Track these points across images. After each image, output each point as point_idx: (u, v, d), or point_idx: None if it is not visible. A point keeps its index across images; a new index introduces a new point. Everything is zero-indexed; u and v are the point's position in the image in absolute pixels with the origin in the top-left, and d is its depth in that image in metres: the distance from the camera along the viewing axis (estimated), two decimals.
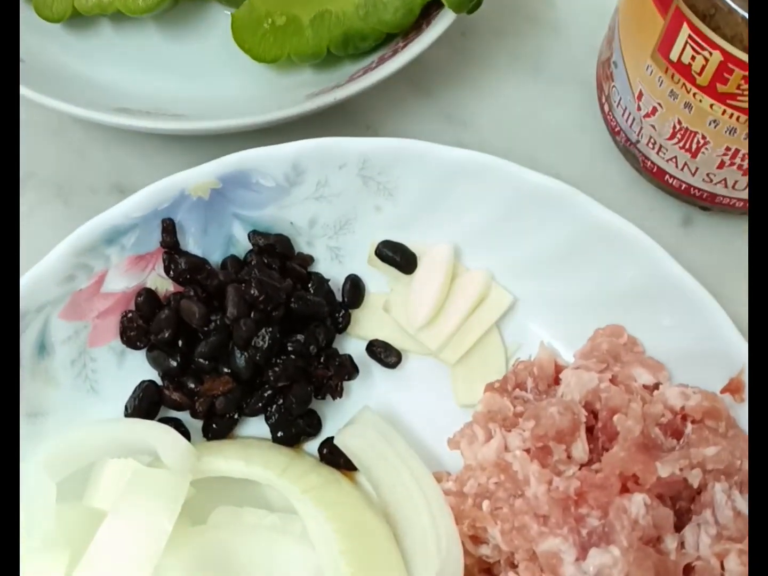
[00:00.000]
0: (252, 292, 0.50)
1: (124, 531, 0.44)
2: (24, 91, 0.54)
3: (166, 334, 0.51)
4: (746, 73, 0.45)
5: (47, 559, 0.44)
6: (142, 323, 0.52)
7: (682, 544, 0.46)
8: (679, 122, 0.51)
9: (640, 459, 0.45)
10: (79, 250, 0.50)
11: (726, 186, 0.54)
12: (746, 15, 0.43)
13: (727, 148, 0.51)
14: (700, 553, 0.45)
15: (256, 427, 0.52)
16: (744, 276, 0.57)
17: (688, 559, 0.45)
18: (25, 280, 0.49)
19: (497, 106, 0.62)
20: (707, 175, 0.54)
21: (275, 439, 0.52)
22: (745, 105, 0.47)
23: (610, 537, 0.44)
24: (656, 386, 0.50)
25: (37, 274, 0.49)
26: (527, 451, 0.48)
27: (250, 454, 0.49)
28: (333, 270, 0.55)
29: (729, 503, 0.46)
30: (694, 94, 0.49)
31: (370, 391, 0.54)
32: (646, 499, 0.45)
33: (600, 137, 0.60)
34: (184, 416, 0.52)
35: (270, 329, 0.50)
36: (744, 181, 0.53)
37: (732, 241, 0.59)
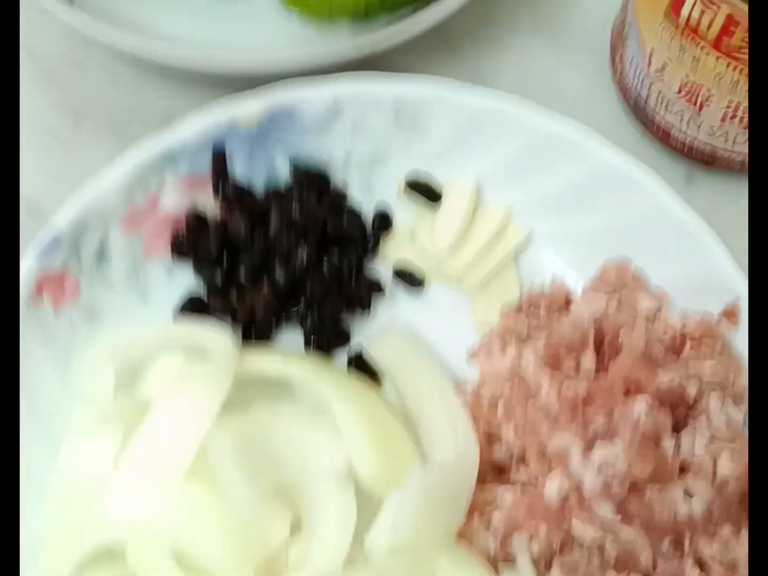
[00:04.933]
0: (292, 213, 0.55)
1: (174, 411, 0.48)
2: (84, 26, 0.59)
3: (213, 250, 0.55)
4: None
5: (103, 433, 0.48)
6: (191, 239, 0.56)
7: (678, 447, 0.50)
8: (687, 76, 0.56)
9: (644, 365, 0.50)
10: (138, 169, 0.54)
11: (726, 140, 0.59)
12: None
13: (730, 101, 0.55)
14: (695, 453, 0.50)
15: (291, 341, 0.57)
16: (742, 230, 0.62)
17: (684, 456, 0.50)
18: (88, 193, 0.53)
19: (517, 66, 0.67)
20: (711, 127, 0.58)
21: (308, 344, 0.56)
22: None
23: (615, 433, 0.49)
24: (658, 311, 0.55)
25: (99, 188, 0.54)
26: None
27: (287, 358, 0.53)
28: (365, 201, 0.59)
29: (723, 411, 0.51)
30: (702, 47, 0.54)
31: (395, 315, 0.58)
32: (648, 401, 0.49)
33: (609, 103, 0.66)
34: None
35: (307, 246, 0.55)
36: (743, 135, 0.58)
37: (732, 199, 0.63)
